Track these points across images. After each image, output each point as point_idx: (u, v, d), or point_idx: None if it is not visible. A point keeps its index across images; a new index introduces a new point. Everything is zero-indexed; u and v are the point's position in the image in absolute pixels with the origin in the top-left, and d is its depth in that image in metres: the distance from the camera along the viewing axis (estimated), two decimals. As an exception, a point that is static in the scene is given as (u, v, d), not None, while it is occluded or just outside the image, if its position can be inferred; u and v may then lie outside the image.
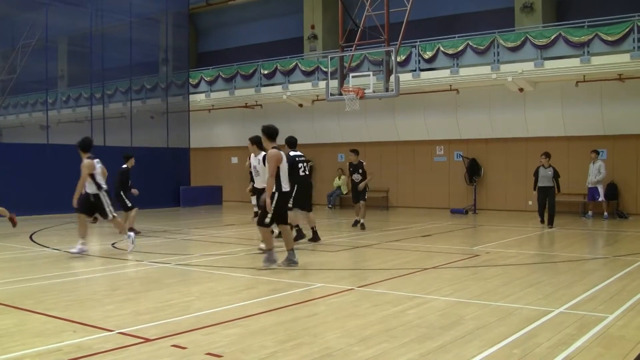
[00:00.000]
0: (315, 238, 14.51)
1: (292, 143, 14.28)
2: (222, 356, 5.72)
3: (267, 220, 10.79)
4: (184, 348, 5.97)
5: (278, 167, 10.86)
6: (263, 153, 12.24)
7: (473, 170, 24.66)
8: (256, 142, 12.53)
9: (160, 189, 27.63)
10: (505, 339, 6.26)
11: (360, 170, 17.89)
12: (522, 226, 18.57)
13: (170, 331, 6.56)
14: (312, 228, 14.59)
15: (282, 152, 11.19)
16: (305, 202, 14.35)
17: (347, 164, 18.70)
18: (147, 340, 6.26)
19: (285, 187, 11.02)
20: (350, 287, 9.02)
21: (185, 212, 25.87)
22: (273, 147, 11.14)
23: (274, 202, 10.77)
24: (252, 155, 12.79)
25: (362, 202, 18.00)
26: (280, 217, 10.97)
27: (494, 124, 24.47)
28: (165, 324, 6.94)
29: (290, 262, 10.96)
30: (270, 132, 11.41)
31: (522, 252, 13.13)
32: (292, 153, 13.71)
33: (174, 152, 29.16)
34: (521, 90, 23.44)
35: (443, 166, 25.93)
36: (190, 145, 30.56)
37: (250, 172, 13.75)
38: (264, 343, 6.15)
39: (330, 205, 27.11)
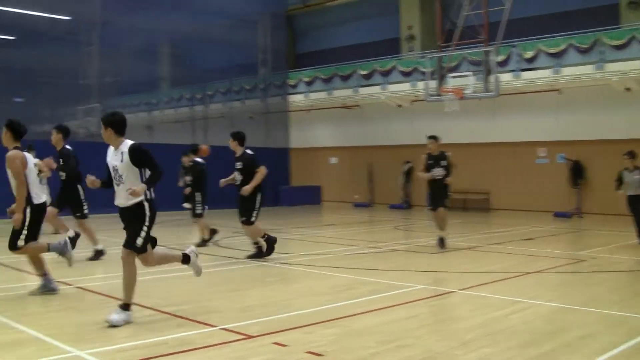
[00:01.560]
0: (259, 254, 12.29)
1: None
2: (322, 355, 5.75)
3: (20, 242, 8.33)
4: (284, 346, 6.03)
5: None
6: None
7: (577, 172, 23.99)
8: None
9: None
10: (614, 349, 6.03)
11: (443, 163, 13.32)
12: (630, 231, 17.90)
13: (271, 329, 6.64)
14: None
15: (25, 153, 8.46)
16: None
17: (424, 156, 13.64)
18: (249, 336, 6.35)
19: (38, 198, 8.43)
20: (451, 290, 8.92)
21: (284, 212, 26.12)
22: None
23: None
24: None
25: (442, 208, 13.60)
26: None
27: (598, 125, 23.71)
28: (267, 321, 7.03)
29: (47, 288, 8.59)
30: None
31: (631, 258, 12.65)
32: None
33: (274, 152, 29.50)
34: (628, 89, 22.65)
35: (545, 168, 25.30)
36: (289, 146, 30.86)
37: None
38: (364, 343, 6.14)
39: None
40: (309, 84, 31.00)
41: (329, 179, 31.60)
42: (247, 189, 11.28)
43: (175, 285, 9.47)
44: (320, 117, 31.78)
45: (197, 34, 28.69)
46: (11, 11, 25.60)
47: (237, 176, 11.73)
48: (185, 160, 18.55)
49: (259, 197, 11.57)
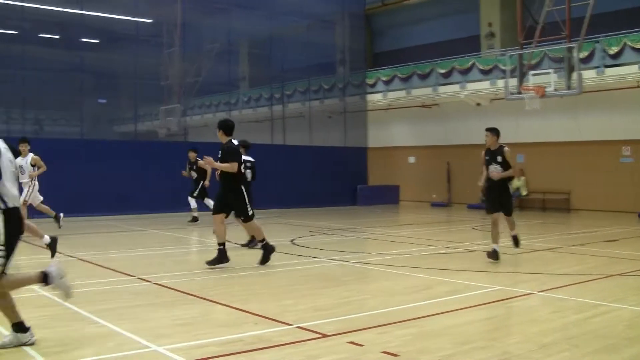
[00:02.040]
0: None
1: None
2: (398, 355, 5.71)
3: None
4: (360, 345, 6.01)
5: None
6: None
7: (663, 171, 23.23)
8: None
9: (338, 188, 28.09)
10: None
11: (499, 159, 11.61)
12: None
13: (347, 328, 6.63)
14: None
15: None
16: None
17: (483, 152, 11.94)
18: (324, 335, 6.36)
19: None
20: (530, 292, 8.74)
21: (362, 211, 26.11)
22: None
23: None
24: None
25: (502, 214, 11.95)
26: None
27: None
28: (342, 320, 7.03)
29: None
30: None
31: None
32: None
33: (352, 151, 29.52)
34: None
35: (630, 167, 24.55)
36: (367, 145, 30.84)
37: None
38: (440, 345, 6.08)
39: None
40: (387, 82, 30.87)
41: (407, 179, 31.42)
42: (213, 162, 10.81)
43: (253, 283, 9.57)
44: (399, 116, 31.62)
45: (276, 34, 28.95)
46: (96, 15, 26.33)
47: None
48: (192, 155, 19.00)
49: (242, 191, 11.00)
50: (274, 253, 11.28)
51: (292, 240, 14.95)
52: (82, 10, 25.23)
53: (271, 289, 9.07)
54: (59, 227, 16.17)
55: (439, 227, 19.86)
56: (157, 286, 9.10)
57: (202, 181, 18.83)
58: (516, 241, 12.33)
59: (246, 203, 11.01)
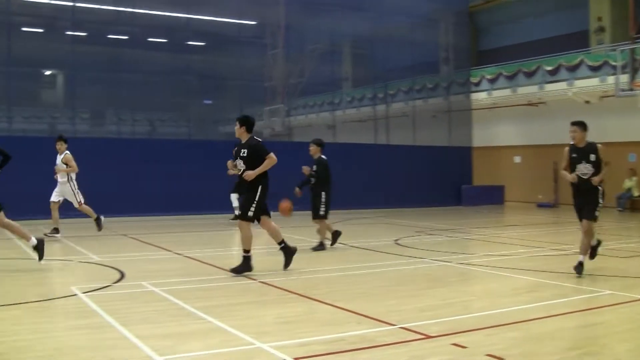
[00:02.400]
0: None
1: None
2: (503, 359, 5.58)
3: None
4: (464, 347, 5.92)
5: None
6: None
7: None
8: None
9: (442, 188, 27.81)
10: None
11: (592, 158, 9.97)
12: None
13: (451, 329, 6.54)
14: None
15: None
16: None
17: (567, 149, 10.47)
18: (428, 336, 6.29)
19: None
20: (642, 296, 8.42)
21: (466, 211, 25.77)
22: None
23: None
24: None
25: (586, 221, 10.19)
26: None
27: None
28: (446, 322, 6.94)
29: None
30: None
31: None
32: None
33: (456, 151, 29.16)
34: None
35: None
36: (472, 144, 30.42)
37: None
38: (546, 349, 5.91)
39: (620, 209, 25.55)
40: (492, 81, 30.36)
41: (512, 179, 30.78)
42: (250, 174, 9.97)
43: (357, 282, 9.57)
44: (504, 115, 31.01)
45: (379, 33, 28.88)
46: (202, 19, 26.95)
47: (240, 165, 10.24)
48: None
49: (260, 190, 10.14)
50: (295, 254, 10.84)
51: (395, 241, 14.88)
52: (188, 14, 25.88)
53: (375, 288, 9.04)
54: (99, 230, 15.51)
55: (545, 228, 19.38)
56: (261, 284, 9.22)
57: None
58: (594, 251, 10.61)
59: (253, 202, 10.08)
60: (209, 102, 30.04)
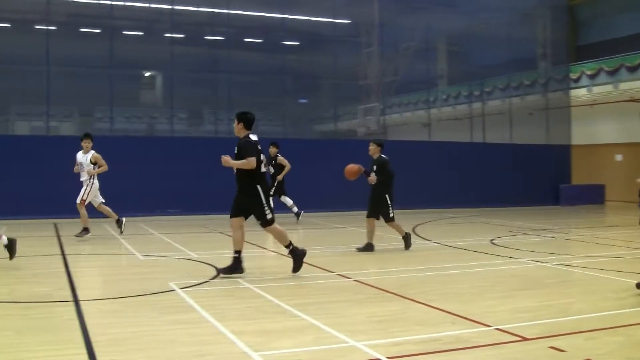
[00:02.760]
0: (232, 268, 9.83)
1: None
2: (604, 363, 5.43)
3: None
4: (562, 351, 5.76)
5: None
6: None
7: None
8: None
9: (539, 187, 27.21)
10: None
11: None
12: None
13: (548, 332, 6.39)
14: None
15: None
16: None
17: None
18: (524, 339, 6.17)
19: None
20: None
21: (564, 211, 25.14)
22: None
23: None
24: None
25: None
26: None
27: None
28: (544, 324, 6.78)
29: None
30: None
31: None
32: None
33: (554, 149, 28.47)
34: None
35: None
36: (571, 142, 29.67)
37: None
38: (651, 354, 5.71)
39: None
40: (592, 77, 29.47)
41: (613, 178, 29.79)
42: (227, 159, 9.61)
43: (451, 282, 9.47)
44: (605, 112, 30.06)
45: (474, 30, 28.48)
46: (297, 19, 27.18)
47: None
48: (273, 151, 18.60)
49: (261, 192, 9.68)
50: (306, 257, 10.20)
51: (491, 240, 14.65)
52: (283, 14, 26.15)
53: (469, 288, 8.92)
54: (121, 232, 15.05)
55: (650, 228, 18.70)
56: (355, 283, 9.23)
57: (277, 177, 18.53)
58: None
59: (263, 205, 9.68)
60: (304, 101, 30.28)
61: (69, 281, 9.24)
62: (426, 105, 30.26)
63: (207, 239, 15.33)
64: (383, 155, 12.78)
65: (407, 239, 12.98)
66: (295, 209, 18.78)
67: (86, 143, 14.43)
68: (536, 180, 26.97)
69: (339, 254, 12.18)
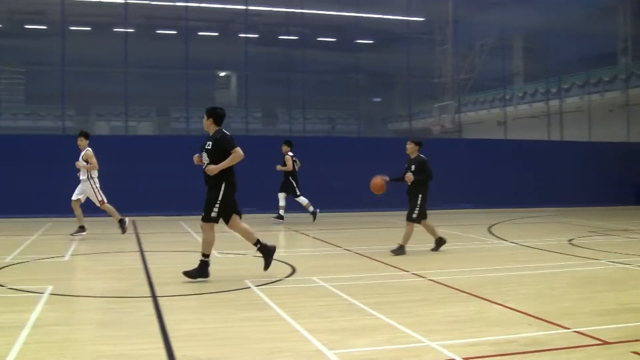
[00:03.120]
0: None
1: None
2: (690, 368, 5.25)
3: None
4: (645, 356, 5.61)
5: None
6: None
7: None
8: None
9: (619, 186, 26.49)
10: None
11: None
12: None
13: (631, 336, 6.20)
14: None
15: None
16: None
17: None
18: (605, 342, 5.99)
19: None
20: None
21: (645, 211, 24.45)
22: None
23: None
24: None
25: None
26: None
27: None
28: (626, 327, 6.59)
29: None
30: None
31: None
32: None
33: (636, 147, 27.70)
34: None
35: None
36: (653, 140, 28.87)
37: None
38: None
39: None
40: (675, 72, 28.60)
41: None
42: (212, 168, 9.10)
43: (528, 282, 9.30)
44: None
45: (551, 25, 27.97)
46: (371, 17, 27.17)
47: (204, 158, 9.35)
48: (285, 149, 18.27)
49: (223, 188, 9.19)
50: (276, 253, 9.80)
51: (569, 240, 14.34)
52: (357, 13, 26.17)
53: (547, 290, 8.75)
54: (122, 232, 14.50)
55: None
56: (430, 282, 9.16)
57: (289, 177, 18.32)
58: None
59: (216, 201, 9.18)
60: (378, 99, 30.26)
61: (147, 277, 9.44)
62: (502, 102, 29.85)
63: (282, 237, 15.43)
64: (422, 155, 12.42)
65: (402, 249, 12.04)
66: (311, 208, 18.61)
67: (80, 141, 14.33)
68: (616, 180, 26.27)
69: (413, 253, 12.10)
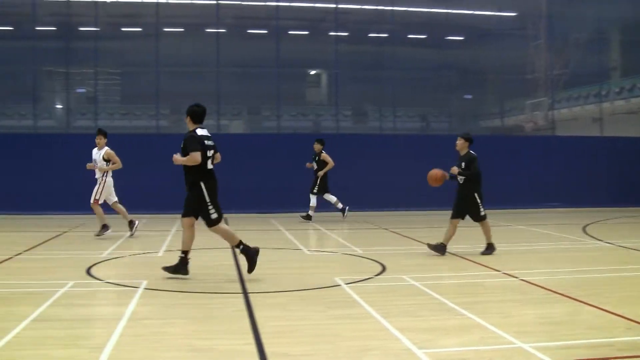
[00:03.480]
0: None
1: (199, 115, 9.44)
2: None
3: None
4: None
5: None
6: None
7: None
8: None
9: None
10: None
11: None
12: None
13: None
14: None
15: None
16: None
17: None
18: None
19: None
20: None
21: None
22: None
23: None
24: None
25: None
26: None
27: None
28: None
29: None
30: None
31: None
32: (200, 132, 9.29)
33: None
34: None
35: None
36: None
37: None
38: None
39: None
40: None
41: None
42: (175, 157, 9.04)
43: (625, 284, 9.03)
44: None
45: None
46: (461, 13, 26.88)
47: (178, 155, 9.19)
48: (317, 147, 17.76)
49: (205, 189, 9.03)
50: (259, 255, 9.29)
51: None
52: (447, 9, 25.93)
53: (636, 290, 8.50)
54: (131, 235, 14.18)
55: None
56: (522, 282, 9.01)
57: (324, 174, 17.91)
58: None
59: (207, 204, 9.07)
60: (469, 96, 29.89)
61: (238, 274, 9.60)
62: (597, 99, 28.98)
63: (372, 236, 15.42)
64: (472, 152, 11.99)
65: (490, 247, 11.90)
66: (340, 205, 18.26)
67: (99, 139, 13.91)
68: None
69: (503, 252, 11.91)
